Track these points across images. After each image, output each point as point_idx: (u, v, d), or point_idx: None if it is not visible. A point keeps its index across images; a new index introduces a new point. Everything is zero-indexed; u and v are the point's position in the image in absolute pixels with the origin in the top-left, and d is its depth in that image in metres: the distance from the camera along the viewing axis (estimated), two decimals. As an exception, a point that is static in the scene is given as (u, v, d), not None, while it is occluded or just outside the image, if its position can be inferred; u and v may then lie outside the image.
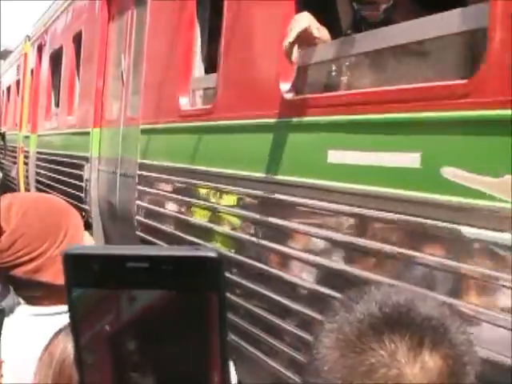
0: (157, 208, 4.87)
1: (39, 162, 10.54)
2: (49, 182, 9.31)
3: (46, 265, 1.70)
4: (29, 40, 13.05)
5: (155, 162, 4.94)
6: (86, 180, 7.12)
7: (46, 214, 1.78)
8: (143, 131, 5.31)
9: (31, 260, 1.69)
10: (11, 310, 1.84)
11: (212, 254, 0.54)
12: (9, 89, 16.25)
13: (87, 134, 7.21)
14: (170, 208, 4.63)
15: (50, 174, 9.28)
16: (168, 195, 4.70)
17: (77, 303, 0.57)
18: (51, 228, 1.75)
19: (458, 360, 0.87)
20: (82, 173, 7.32)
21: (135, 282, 0.55)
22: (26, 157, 11.97)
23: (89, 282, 0.56)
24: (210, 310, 0.55)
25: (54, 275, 1.69)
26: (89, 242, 1.93)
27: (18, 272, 1.69)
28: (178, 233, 4.41)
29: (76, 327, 0.58)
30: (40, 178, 10.25)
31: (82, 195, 7.25)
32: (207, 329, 0.55)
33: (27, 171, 11.73)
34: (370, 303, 0.89)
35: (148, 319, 0.56)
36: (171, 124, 4.65)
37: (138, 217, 5.28)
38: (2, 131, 15.19)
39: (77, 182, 7.46)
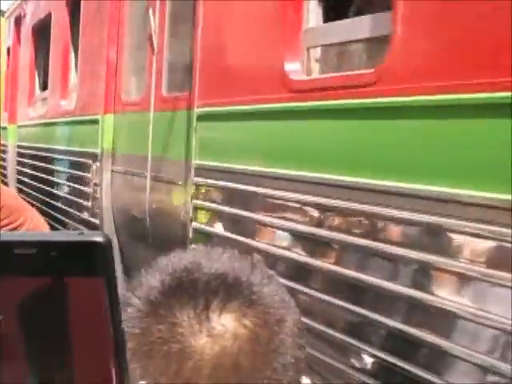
0: (238, 237, 3.07)
1: (22, 159, 8.64)
2: (36, 184, 7.43)
3: None
4: (2, 15, 11.13)
5: (235, 166, 3.11)
6: (95, 184, 5.29)
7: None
8: (202, 117, 3.49)
9: (13, 229, 1.82)
10: None
11: (99, 239, 0.54)
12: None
13: (94, 122, 5.37)
14: (272, 241, 2.83)
15: (38, 173, 7.40)
16: (262, 218, 2.90)
17: None
18: (24, 205, 2.04)
19: (263, 320, 0.77)
20: (86, 174, 5.48)
21: (24, 268, 0.54)
22: (3, 151, 10.04)
23: None
24: (100, 296, 0.54)
25: None
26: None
27: None
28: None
29: None
30: (24, 179, 8.36)
31: (88, 204, 5.41)
32: (98, 316, 0.54)
33: (4, 169, 9.80)
34: (152, 276, 0.81)
35: (37, 306, 0.55)
36: (271, 105, 2.83)
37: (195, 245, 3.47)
38: None
39: (80, 187, 5.62)
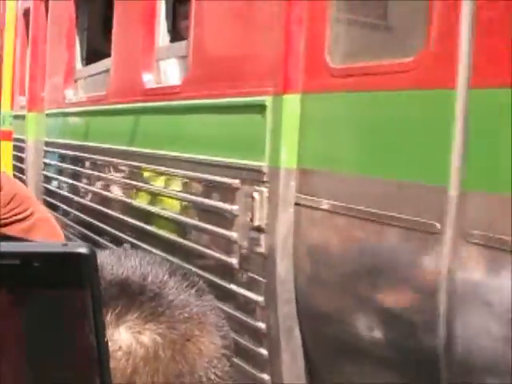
0: None
1: (54, 162, 6.06)
2: (88, 205, 4.88)
3: (37, 225, 1.83)
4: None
5: None
6: (258, 230, 2.73)
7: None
8: None
9: (24, 218, 1.80)
10: None
11: (83, 250, 0.53)
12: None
13: (251, 109, 2.84)
14: None
15: (94, 189, 4.83)
16: None
17: None
18: (32, 195, 1.98)
19: (165, 337, 0.64)
20: (228, 207, 2.93)
21: (8, 279, 0.52)
22: (20, 149, 7.42)
23: None
24: (84, 308, 0.53)
25: (46, 236, 1.81)
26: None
27: (14, 230, 1.75)
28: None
29: None
30: (59, 191, 5.79)
31: (233, 261, 2.88)
32: (82, 328, 0.53)
33: (22, 172, 7.20)
34: None
35: (19, 318, 0.54)
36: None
37: None
38: None
39: (220, 232, 3.04)
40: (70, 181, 5.43)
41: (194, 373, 0.66)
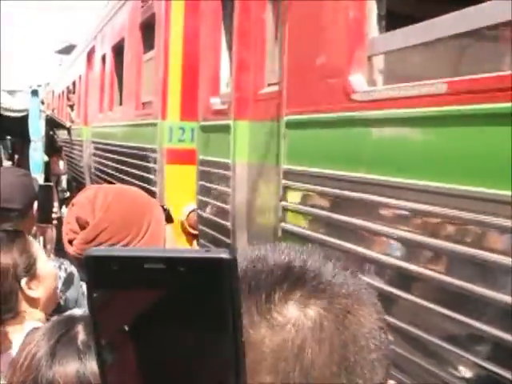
0: None
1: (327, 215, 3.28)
2: None
3: None
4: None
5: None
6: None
7: (129, 207, 1.84)
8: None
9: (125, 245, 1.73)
10: (76, 302, 2.14)
11: (225, 256, 0.56)
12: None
13: None
14: None
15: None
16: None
17: (97, 304, 0.59)
18: (134, 222, 1.79)
19: (329, 311, 0.71)
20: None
21: (153, 283, 0.57)
22: (214, 179, 4.71)
23: (108, 283, 0.58)
24: (225, 311, 0.56)
25: None
26: (169, 237, 1.93)
27: None
28: None
29: (97, 328, 0.60)
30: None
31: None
32: (222, 330, 0.57)
33: (221, 230, 4.48)
34: None
35: (165, 320, 0.58)
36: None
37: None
38: (67, 125, 14.49)
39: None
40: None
41: (356, 342, 0.71)
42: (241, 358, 0.57)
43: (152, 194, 6.54)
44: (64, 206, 13.64)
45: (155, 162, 6.43)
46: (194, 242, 6.41)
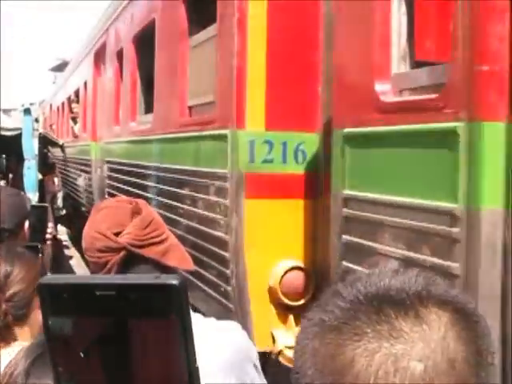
0: None
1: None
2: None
3: (171, 250, 1.81)
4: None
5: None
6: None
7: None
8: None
9: (160, 242, 1.80)
10: None
11: (173, 282, 0.59)
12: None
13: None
14: None
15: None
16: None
17: (53, 331, 0.61)
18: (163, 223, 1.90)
19: (469, 324, 0.79)
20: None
21: (105, 309, 0.59)
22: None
23: (63, 310, 0.61)
24: (175, 335, 0.59)
25: (179, 261, 1.82)
26: None
27: (150, 252, 1.77)
28: None
29: (54, 355, 0.62)
30: None
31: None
32: (174, 353, 0.60)
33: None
34: (356, 288, 0.82)
35: (119, 345, 0.60)
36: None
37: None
38: (60, 143, 14.17)
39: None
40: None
41: (487, 364, 0.79)
42: (196, 381, 0.59)
43: (221, 245, 4.27)
44: (60, 224, 13.17)
45: (225, 196, 4.16)
46: (291, 318, 4.13)
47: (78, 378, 0.60)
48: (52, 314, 0.60)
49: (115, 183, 8.21)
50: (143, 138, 6.52)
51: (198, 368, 0.59)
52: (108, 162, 8.78)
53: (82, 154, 11.93)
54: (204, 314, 1.84)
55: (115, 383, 0.59)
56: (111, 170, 8.55)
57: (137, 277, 0.63)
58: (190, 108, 5.21)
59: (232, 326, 1.82)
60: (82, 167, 11.64)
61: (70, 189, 13.12)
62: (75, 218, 12.90)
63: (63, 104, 16.61)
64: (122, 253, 1.75)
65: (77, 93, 13.31)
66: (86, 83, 11.71)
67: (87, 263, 1.95)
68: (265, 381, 1.83)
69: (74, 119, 13.38)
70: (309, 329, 0.81)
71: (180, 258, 1.83)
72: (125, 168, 7.50)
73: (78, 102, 13.07)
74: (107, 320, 0.59)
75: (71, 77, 14.50)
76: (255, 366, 1.79)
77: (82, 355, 0.60)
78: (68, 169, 13.57)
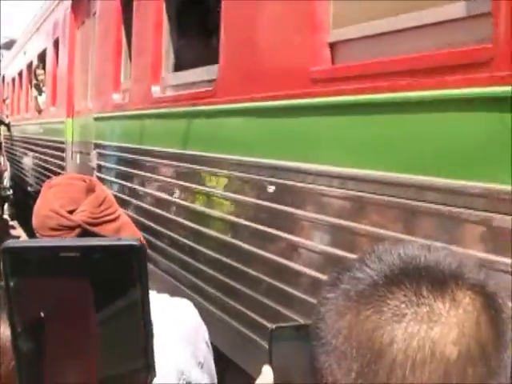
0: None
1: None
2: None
3: (124, 227, 1.80)
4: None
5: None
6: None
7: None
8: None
9: (114, 220, 1.79)
10: None
11: (134, 243, 0.62)
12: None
13: None
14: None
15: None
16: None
17: (13, 293, 0.62)
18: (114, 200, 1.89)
19: (492, 308, 0.77)
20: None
21: (68, 271, 0.61)
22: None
23: (26, 272, 0.62)
24: (134, 296, 0.61)
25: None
26: None
27: (104, 230, 1.76)
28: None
29: (12, 316, 0.63)
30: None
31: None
32: (133, 315, 0.62)
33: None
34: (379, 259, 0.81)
35: (80, 305, 0.62)
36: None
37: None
38: (6, 121, 13.57)
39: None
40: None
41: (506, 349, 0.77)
42: (150, 338, 0.62)
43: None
44: (7, 204, 12.96)
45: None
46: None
47: (35, 339, 0.61)
48: (13, 275, 0.61)
49: (114, 179, 5.53)
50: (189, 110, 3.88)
51: (152, 326, 0.61)
52: (99, 146, 6.05)
53: (50, 133, 9.16)
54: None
55: (73, 344, 0.60)
56: (105, 158, 5.85)
57: (99, 239, 0.66)
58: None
59: (185, 303, 1.81)
60: (51, 151, 8.87)
61: (17, 168, 12.39)
62: (23, 198, 11.85)
63: (21, 74, 13.72)
64: (77, 231, 1.75)
65: (42, 56, 10.44)
66: (57, 41, 8.89)
67: None
68: (212, 360, 1.80)
69: (38, 87, 10.50)
70: (338, 296, 0.79)
71: (133, 234, 1.81)
72: (135, 157, 4.84)
73: (44, 67, 10.19)
74: (69, 282, 0.60)
75: (34, 37, 11.58)
76: (207, 343, 1.79)
77: (42, 315, 0.61)
78: (16, 148, 12.63)
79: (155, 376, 0.65)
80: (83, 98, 7.14)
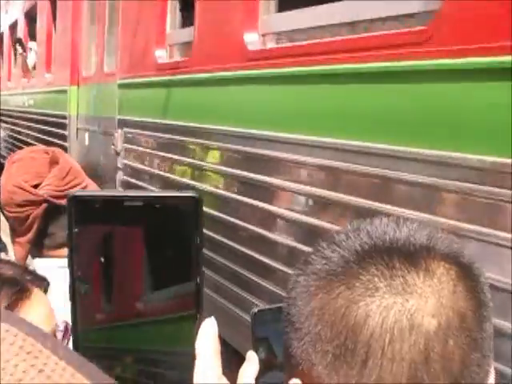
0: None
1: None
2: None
3: None
4: None
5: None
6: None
7: (71, 159, 2.01)
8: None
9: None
10: None
11: (193, 194, 0.64)
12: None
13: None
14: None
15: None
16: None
17: (76, 239, 0.64)
18: (81, 171, 1.90)
19: (471, 280, 0.75)
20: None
21: (129, 219, 0.63)
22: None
23: (90, 220, 0.65)
24: (189, 246, 0.64)
25: None
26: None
27: None
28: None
29: (73, 260, 0.65)
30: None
31: None
32: (186, 264, 0.64)
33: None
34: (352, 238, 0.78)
35: (138, 251, 0.64)
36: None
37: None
38: None
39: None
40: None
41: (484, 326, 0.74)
42: (202, 286, 0.64)
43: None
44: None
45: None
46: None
47: (92, 283, 0.64)
48: (78, 223, 0.64)
49: (156, 170, 3.96)
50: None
51: (203, 282, 0.64)
52: (128, 124, 4.42)
53: (45, 105, 7.49)
54: None
55: (128, 289, 0.63)
56: (138, 141, 4.24)
57: (160, 191, 0.81)
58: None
59: None
60: (46, 128, 7.22)
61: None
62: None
63: (1, 38, 11.94)
64: (44, 205, 1.73)
65: (30, 11, 8.70)
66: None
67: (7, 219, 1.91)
68: None
69: (20, 43, 8.81)
70: (308, 277, 0.75)
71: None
72: (194, 140, 3.27)
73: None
74: (130, 230, 0.63)
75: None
76: None
77: (103, 260, 0.63)
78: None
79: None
80: (96, 60, 5.49)
